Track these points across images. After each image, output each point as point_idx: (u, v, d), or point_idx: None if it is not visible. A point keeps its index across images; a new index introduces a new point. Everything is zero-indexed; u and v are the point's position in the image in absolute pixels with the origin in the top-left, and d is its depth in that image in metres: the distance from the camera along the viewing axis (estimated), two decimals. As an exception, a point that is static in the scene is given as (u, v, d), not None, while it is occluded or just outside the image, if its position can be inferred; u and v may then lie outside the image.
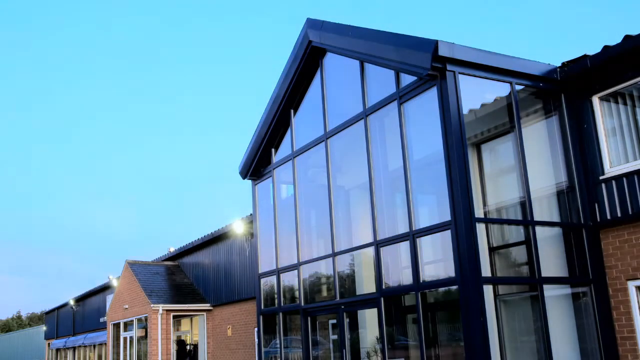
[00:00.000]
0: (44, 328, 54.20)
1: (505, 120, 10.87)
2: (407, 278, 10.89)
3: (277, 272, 14.83)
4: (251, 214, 18.37)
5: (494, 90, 10.56)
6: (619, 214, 9.94)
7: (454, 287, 9.73)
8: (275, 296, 14.96)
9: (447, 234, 9.77)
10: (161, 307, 24.70)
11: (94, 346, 38.39)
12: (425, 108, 10.57)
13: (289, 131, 14.93)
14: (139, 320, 26.48)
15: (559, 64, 10.85)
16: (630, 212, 9.74)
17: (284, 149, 15.10)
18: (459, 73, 9.96)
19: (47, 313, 53.43)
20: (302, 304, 13.74)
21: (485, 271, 9.90)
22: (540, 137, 11.03)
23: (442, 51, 9.63)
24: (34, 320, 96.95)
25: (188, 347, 27.40)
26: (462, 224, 9.43)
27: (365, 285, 12.31)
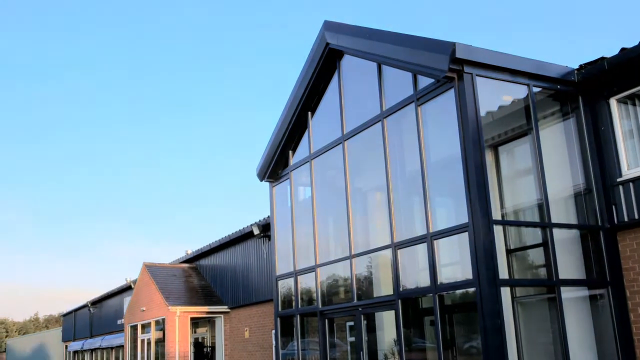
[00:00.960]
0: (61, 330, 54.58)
1: (522, 122, 10.88)
2: (424, 280, 10.92)
3: (295, 274, 14.90)
4: (268, 216, 18.48)
5: (512, 92, 10.58)
6: (636, 216, 9.91)
7: (471, 289, 9.75)
8: (293, 298, 15.02)
9: (465, 236, 9.80)
10: (178, 310, 24.87)
11: (112, 349, 38.65)
12: (442, 110, 10.60)
13: (306, 133, 15.00)
14: (157, 322, 26.68)
15: (577, 66, 10.85)
16: (648, 214, 9.72)
17: (302, 151, 15.17)
18: (477, 75, 9.99)
19: (65, 315, 53.63)
20: (320, 306, 13.79)
21: (503, 273, 9.91)
22: (557, 139, 11.03)
23: (460, 53, 9.67)
24: (52, 322, 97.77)
25: (205, 349, 27.55)
26: (479, 226, 9.45)
27: (383, 287, 12.34)
